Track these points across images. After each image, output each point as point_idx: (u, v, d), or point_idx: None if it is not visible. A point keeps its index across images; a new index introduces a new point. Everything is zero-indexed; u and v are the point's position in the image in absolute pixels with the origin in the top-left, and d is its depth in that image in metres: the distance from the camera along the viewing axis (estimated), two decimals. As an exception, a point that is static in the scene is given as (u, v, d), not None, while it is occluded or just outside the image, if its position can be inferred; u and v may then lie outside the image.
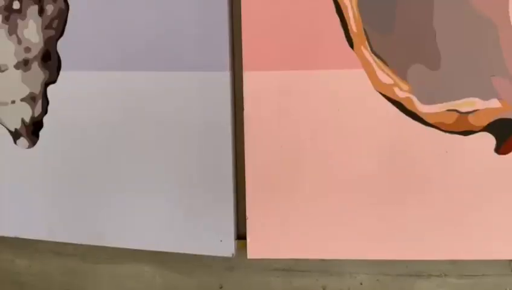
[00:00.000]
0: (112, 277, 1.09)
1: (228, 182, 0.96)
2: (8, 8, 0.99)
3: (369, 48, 0.84)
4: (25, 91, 1.03)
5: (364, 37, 0.84)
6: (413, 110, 0.86)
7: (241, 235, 0.98)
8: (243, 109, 0.91)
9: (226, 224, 0.97)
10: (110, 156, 1.01)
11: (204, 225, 0.98)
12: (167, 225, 1.00)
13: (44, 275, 1.16)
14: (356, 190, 0.92)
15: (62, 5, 0.96)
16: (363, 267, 1.00)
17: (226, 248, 0.98)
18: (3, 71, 1.03)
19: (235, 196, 0.97)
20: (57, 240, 1.08)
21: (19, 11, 0.98)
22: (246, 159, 0.93)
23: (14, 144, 1.06)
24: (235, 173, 0.96)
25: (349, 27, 0.84)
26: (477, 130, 0.85)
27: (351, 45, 0.85)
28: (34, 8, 0.97)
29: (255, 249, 0.97)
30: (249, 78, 0.89)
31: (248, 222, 0.95)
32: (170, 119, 0.96)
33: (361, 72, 0.85)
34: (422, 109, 0.86)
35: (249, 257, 0.97)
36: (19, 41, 1.00)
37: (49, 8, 0.96)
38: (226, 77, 0.90)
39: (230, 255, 0.98)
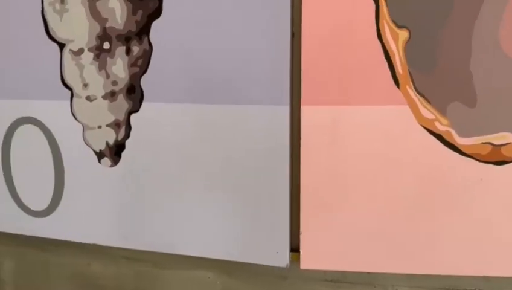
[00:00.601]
0: (179, 282, 1.24)
1: (284, 201, 1.09)
2: (100, 48, 1.17)
3: (413, 88, 0.97)
4: (111, 118, 1.20)
5: (409, 78, 0.97)
6: (452, 142, 0.98)
7: (294, 248, 1.12)
8: (299, 138, 1.06)
9: (281, 238, 1.11)
10: (181, 175, 1.17)
11: (262, 238, 1.12)
12: (230, 237, 1.15)
13: (117, 278, 1.32)
14: (398, 210, 1.04)
15: (147, 46, 1.13)
16: (404, 280, 1.11)
17: (281, 259, 1.11)
18: (92, 101, 1.21)
19: (290, 213, 1.10)
20: (131, 247, 1.25)
21: (109, 50, 1.17)
22: (302, 181, 1.07)
23: (98, 163, 1.24)
24: (290, 193, 1.10)
25: (395, 69, 0.98)
26: (509, 160, 0.97)
27: (397, 85, 0.98)
28: (122, 49, 1.15)
29: (307, 261, 1.10)
30: (306, 111, 1.04)
31: (302, 236, 1.09)
32: (235, 144, 1.11)
33: (406, 108, 0.98)
34: (460, 141, 0.98)
35: (302, 267, 1.10)
36: (107, 76, 1.18)
37: (135, 49, 1.14)
38: (285, 110, 1.05)
39: (285, 266, 1.11)
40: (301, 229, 1.09)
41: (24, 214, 1.37)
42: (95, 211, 1.27)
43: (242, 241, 1.14)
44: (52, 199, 1.31)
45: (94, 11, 1.15)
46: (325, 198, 1.07)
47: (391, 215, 1.04)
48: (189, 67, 1.11)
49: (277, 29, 1.02)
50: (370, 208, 1.05)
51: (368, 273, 1.10)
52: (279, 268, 1.12)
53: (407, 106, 0.98)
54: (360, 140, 1.02)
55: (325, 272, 1.13)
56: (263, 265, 1.14)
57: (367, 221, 1.06)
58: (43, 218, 1.34)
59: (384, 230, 1.05)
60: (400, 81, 0.98)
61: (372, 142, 1.01)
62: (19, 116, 1.29)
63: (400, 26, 0.96)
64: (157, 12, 1.10)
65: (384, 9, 0.96)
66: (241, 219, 1.13)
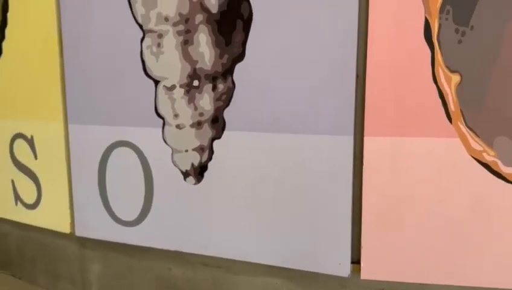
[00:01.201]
0: (249, 287, 1.42)
1: (347, 219, 1.26)
2: (190, 85, 1.40)
3: (464, 123, 1.13)
4: (196, 143, 1.42)
5: (461, 115, 1.13)
6: (498, 171, 1.13)
7: (355, 261, 1.27)
8: (362, 163, 1.22)
9: (344, 251, 1.27)
10: (255, 193, 1.36)
11: (326, 251, 1.29)
12: (297, 248, 1.32)
13: (194, 282, 1.51)
14: (450, 229, 1.18)
15: (230, 84, 1.34)
16: (453, 292, 1.24)
17: (343, 269, 1.27)
18: (181, 129, 1.43)
19: (352, 229, 1.26)
20: (209, 255, 1.44)
21: (198, 87, 1.39)
22: (363, 202, 1.23)
23: (184, 181, 1.45)
24: (352, 212, 1.26)
25: (448, 107, 1.14)
26: (550, 188, 1.10)
27: (450, 120, 1.14)
28: (209, 86, 1.37)
29: (367, 272, 1.26)
30: (369, 141, 1.21)
31: (362, 250, 1.25)
32: (304, 168, 1.29)
33: (457, 141, 1.14)
34: (505, 170, 1.12)
35: (362, 277, 1.25)
36: (195, 108, 1.40)
37: (220, 87, 1.36)
38: (350, 140, 1.23)
39: (346, 276, 1.27)
40: (362, 244, 1.25)
41: (115, 223, 1.60)
42: (179, 222, 1.48)
43: (308, 253, 1.32)
44: (141, 211, 1.53)
45: (186, 55, 1.38)
46: (384, 217, 1.23)
47: (444, 233, 1.19)
48: (265, 102, 1.31)
49: (344, 71, 1.21)
50: (424, 227, 1.20)
51: (421, 284, 1.24)
52: (340, 278, 1.29)
53: (459, 139, 1.14)
54: (416, 167, 1.18)
55: (381, 282, 1.28)
56: (326, 274, 1.30)
57: (421, 238, 1.21)
58: (132, 227, 1.57)
59: (437, 246, 1.20)
60: (453, 118, 1.14)
61: (427, 169, 1.17)
62: (117, 139, 1.53)
63: (452, 71, 1.12)
64: (240, 57, 1.31)
65: (438, 56, 1.13)
66: (308, 233, 1.31)
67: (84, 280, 1.77)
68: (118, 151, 1.54)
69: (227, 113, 1.37)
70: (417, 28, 1.13)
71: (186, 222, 1.47)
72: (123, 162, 1.54)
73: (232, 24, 1.30)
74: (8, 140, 1.82)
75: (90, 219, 1.65)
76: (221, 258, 1.43)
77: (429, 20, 1.12)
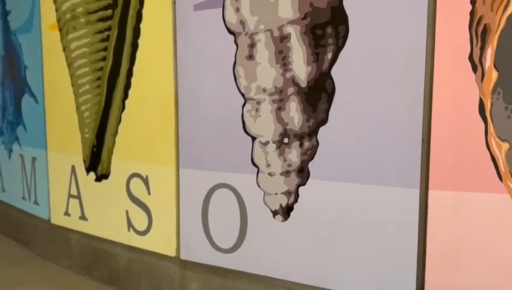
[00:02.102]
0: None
1: (412, 261, 1.52)
2: (281, 142, 1.74)
3: (513, 182, 1.37)
4: (284, 188, 1.75)
5: (510, 176, 1.37)
6: (545, 222, 1.35)
7: (419, 294, 1.53)
8: (427, 212, 1.48)
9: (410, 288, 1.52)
10: (331, 231, 1.65)
11: (393, 288, 1.55)
12: (371, 284, 1.59)
13: (279, 303, 1.81)
14: (503, 269, 1.40)
15: (315, 143, 1.67)
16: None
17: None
18: (272, 176, 1.77)
19: (416, 271, 1.52)
20: (294, 281, 1.74)
21: (287, 144, 1.73)
22: (428, 247, 1.48)
23: (273, 218, 1.78)
24: (417, 255, 1.51)
25: (499, 169, 1.38)
26: None
27: (501, 179, 1.38)
28: (297, 143, 1.70)
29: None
30: (432, 194, 1.47)
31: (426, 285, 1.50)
32: (375, 214, 1.57)
33: (507, 197, 1.38)
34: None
35: (425, 309, 1.50)
36: (285, 160, 1.74)
37: (306, 144, 1.69)
38: (416, 192, 1.50)
39: (412, 307, 1.52)
40: (425, 284, 1.50)
41: (214, 250, 1.95)
42: (267, 252, 1.80)
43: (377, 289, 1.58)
44: (236, 241, 1.88)
45: (279, 118, 1.73)
46: (446, 261, 1.47)
47: (499, 274, 1.41)
48: (343, 157, 1.62)
49: (412, 135, 1.49)
50: (482, 269, 1.43)
51: (478, 317, 1.46)
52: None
53: (508, 195, 1.38)
54: (473, 217, 1.42)
55: (443, 313, 1.51)
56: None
57: (479, 279, 1.43)
58: (228, 254, 1.91)
59: (494, 286, 1.42)
60: (503, 177, 1.38)
61: (482, 219, 1.41)
62: (219, 182, 1.91)
63: (502, 140, 1.37)
64: (324, 121, 1.64)
65: (491, 128, 1.39)
66: (377, 273, 1.57)
67: (183, 296, 2.13)
68: (220, 191, 1.91)
69: (311, 165, 1.69)
70: (473, 105, 1.40)
71: (273, 252, 1.79)
72: (223, 200, 1.90)
73: (318, 96, 1.63)
74: (126, 177, 2.26)
75: (193, 245, 2.02)
76: (304, 284, 1.73)
77: (483, 99, 1.39)
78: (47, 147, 2.77)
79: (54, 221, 2.81)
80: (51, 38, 2.64)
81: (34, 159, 2.92)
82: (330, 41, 1.60)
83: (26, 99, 2.96)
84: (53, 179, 2.77)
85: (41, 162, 2.85)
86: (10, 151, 3.26)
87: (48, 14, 2.63)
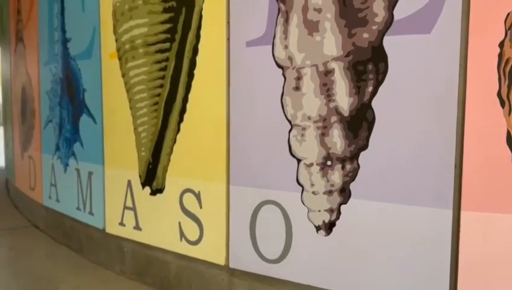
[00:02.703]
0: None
1: (445, 280, 1.68)
2: (324, 164, 1.94)
3: (539, 206, 1.53)
4: (327, 206, 1.94)
5: (536, 199, 1.53)
6: None
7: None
8: (459, 231, 1.65)
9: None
10: (370, 246, 1.83)
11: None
12: (406, 290, 1.76)
13: (321, 310, 2.00)
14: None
15: (356, 165, 1.86)
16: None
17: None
18: (316, 195, 1.97)
19: (449, 287, 1.68)
20: (332, 289, 1.93)
21: (330, 166, 1.93)
22: (459, 268, 1.65)
23: (316, 233, 1.97)
24: (450, 274, 1.68)
25: (526, 193, 1.54)
26: None
27: (528, 203, 1.54)
28: (339, 166, 1.90)
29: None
30: (464, 215, 1.64)
31: (458, 296, 1.66)
32: (410, 232, 1.75)
33: (534, 218, 1.53)
34: None
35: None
36: (327, 181, 1.94)
37: (348, 167, 1.88)
38: (449, 213, 1.67)
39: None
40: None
41: (260, 260, 2.16)
42: (311, 263, 1.99)
43: (414, 295, 1.75)
44: (282, 252, 2.08)
45: (322, 143, 1.94)
46: (478, 281, 1.63)
47: (525, 288, 1.56)
48: (382, 180, 1.80)
49: (444, 161, 1.67)
50: None
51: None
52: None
53: (535, 217, 1.53)
54: (503, 237, 1.58)
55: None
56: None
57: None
58: (274, 264, 2.12)
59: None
60: (530, 201, 1.54)
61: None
62: (266, 199, 2.12)
63: (529, 167, 1.54)
64: (365, 147, 1.84)
65: (518, 156, 1.55)
66: (411, 285, 1.74)
67: (230, 302, 2.34)
68: (267, 207, 2.12)
69: (352, 186, 1.88)
70: (501, 135, 1.57)
71: (316, 263, 1.98)
72: (270, 215, 2.11)
73: (359, 124, 1.83)
74: (179, 192, 2.50)
75: (241, 255, 2.23)
76: (344, 294, 1.91)
77: (510, 131, 1.55)
78: (104, 163, 3.06)
79: (108, 230, 3.08)
80: (110, 65, 2.93)
81: (90, 173, 3.22)
82: (371, 76, 1.80)
83: (84, 119, 3.27)
84: (109, 192, 3.05)
85: (98, 176, 3.13)
86: (66, 165, 3.57)
87: (107, 44, 2.93)
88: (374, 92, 1.81)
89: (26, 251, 3.66)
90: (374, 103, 1.81)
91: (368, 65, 1.81)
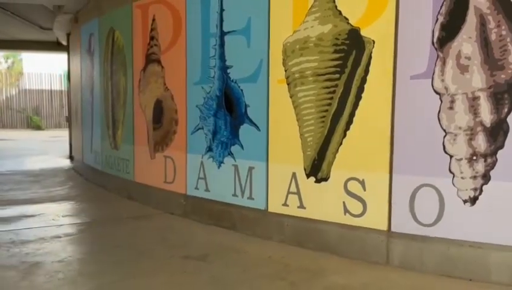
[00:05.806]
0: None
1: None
2: (470, 159, 2.92)
3: None
4: (472, 186, 2.92)
5: None
6: None
7: None
8: None
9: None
10: (498, 215, 2.80)
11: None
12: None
13: (467, 256, 2.96)
14: None
15: (495, 159, 2.84)
16: None
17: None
18: (464, 179, 2.94)
19: None
20: (477, 240, 2.89)
21: (476, 160, 2.90)
22: None
23: (463, 205, 2.94)
24: None
25: None
26: None
27: None
28: (482, 160, 2.89)
29: None
30: None
31: None
32: (536, 201, 2.71)
33: None
34: None
35: None
36: (473, 169, 2.91)
37: (489, 160, 2.86)
38: None
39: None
40: None
41: (417, 225, 3.14)
42: (459, 225, 2.97)
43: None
44: (435, 219, 3.06)
45: (470, 145, 2.92)
46: None
47: None
48: (515, 169, 2.78)
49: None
50: None
51: None
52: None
53: None
54: None
55: None
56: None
57: None
58: (428, 227, 3.09)
59: None
60: None
61: None
62: (424, 183, 3.11)
63: None
64: (502, 147, 2.81)
65: None
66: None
67: (388, 256, 3.29)
68: (424, 189, 3.12)
69: (492, 172, 2.87)
70: None
71: (462, 225, 2.95)
72: (427, 194, 3.09)
73: (498, 132, 2.83)
74: (344, 180, 3.49)
75: (401, 223, 3.22)
76: (482, 243, 2.88)
77: None
78: (268, 160, 4.03)
79: (271, 210, 4.03)
80: (277, 88, 3.91)
81: (251, 168, 4.22)
82: (507, 102, 2.79)
83: (244, 127, 4.27)
84: (272, 181, 3.99)
85: (260, 169, 4.09)
86: (220, 163, 4.58)
87: (275, 72, 3.93)
88: (509, 112, 2.79)
89: (177, 229, 4.65)
90: (509, 119, 2.79)
91: (505, 94, 2.80)
